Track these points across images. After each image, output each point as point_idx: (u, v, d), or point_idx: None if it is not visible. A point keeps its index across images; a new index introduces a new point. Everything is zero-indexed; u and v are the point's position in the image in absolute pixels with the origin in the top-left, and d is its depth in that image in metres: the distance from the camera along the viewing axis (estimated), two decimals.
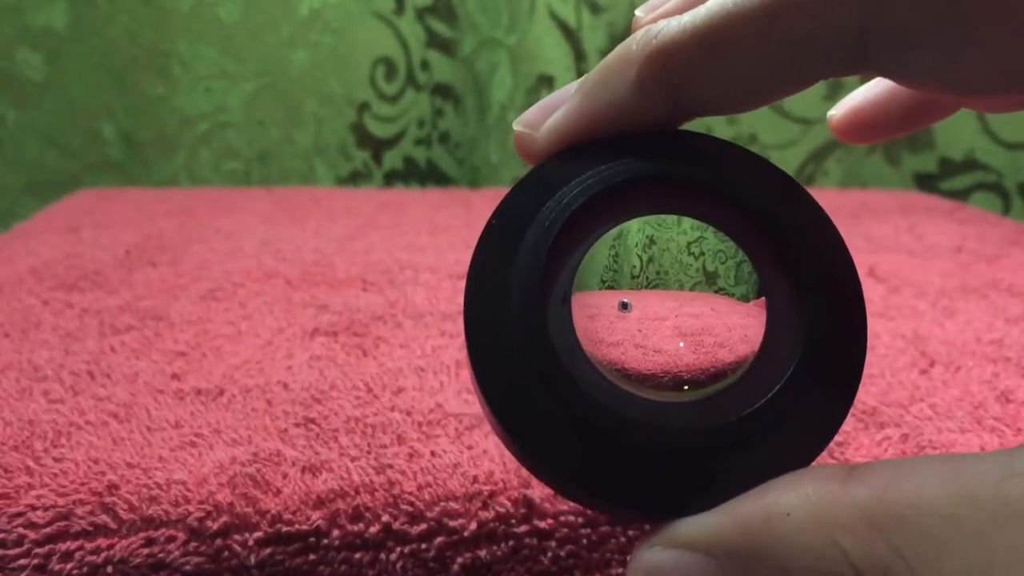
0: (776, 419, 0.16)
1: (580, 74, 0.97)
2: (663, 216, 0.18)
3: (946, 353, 0.42)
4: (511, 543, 0.29)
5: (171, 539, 0.28)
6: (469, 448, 0.32)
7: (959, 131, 0.95)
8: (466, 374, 0.39)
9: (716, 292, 0.18)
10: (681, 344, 0.18)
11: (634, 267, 0.18)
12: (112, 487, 0.29)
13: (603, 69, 0.19)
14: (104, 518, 0.28)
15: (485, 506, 0.29)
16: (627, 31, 1.00)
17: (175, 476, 0.30)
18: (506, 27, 0.96)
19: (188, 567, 0.28)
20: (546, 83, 0.96)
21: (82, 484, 0.29)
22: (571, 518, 0.29)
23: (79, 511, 0.28)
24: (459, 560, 0.29)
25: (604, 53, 0.99)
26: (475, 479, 0.30)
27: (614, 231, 0.18)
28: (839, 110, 0.25)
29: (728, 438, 0.16)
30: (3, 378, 0.38)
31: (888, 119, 0.25)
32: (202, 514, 0.28)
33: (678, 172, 0.18)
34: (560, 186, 0.18)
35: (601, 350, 0.17)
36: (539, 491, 0.30)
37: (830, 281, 0.17)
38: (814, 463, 0.16)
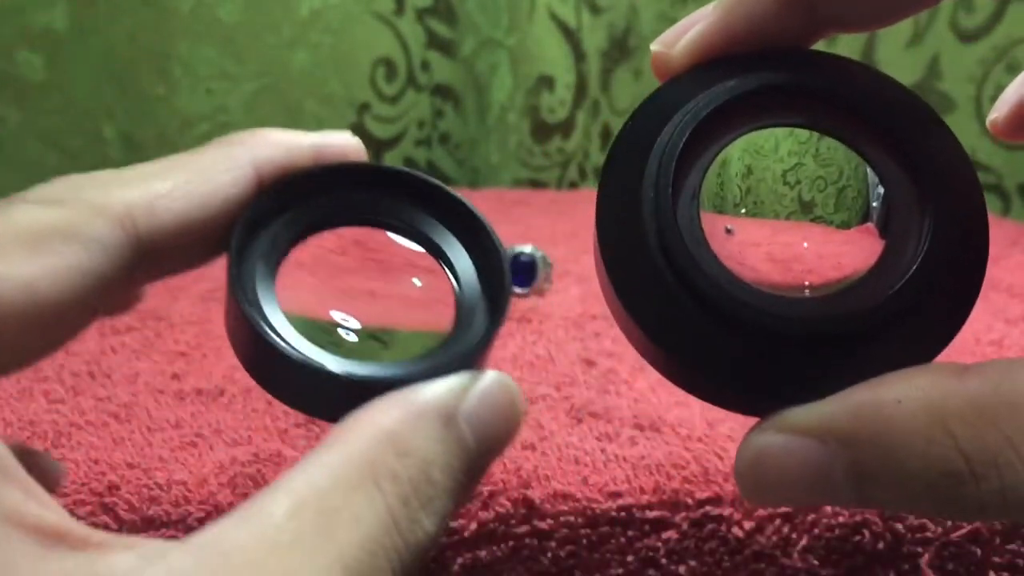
0: (897, 316, 0.16)
1: (580, 75, 0.97)
2: (762, 143, 0.18)
3: (945, 353, 0.42)
4: (511, 543, 0.29)
5: (171, 539, 0.28)
6: None
7: (959, 131, 0.94)
8: None
9: (813, 220, 0.19)
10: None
11: (735, 195, 0.19)
12: (112, 487, 0.29)
13: None
14: (104, 518, 0.28)
15: (485, 506, 0.29)
16: (627, 31, 1.00)
17: (175, 476, 0.30)
18: (506, 27, 0.96)
19: None
20: (546, 83, 0.96)
21: (82, 484, 0.29)
22: (571, 518, 0.29)
23: (79, 511, 0.28)
24: (459, 560, 0.29)
25: (604, 54, 1.00)
26: None
27: (720, 158, 0.18)
28: (1000, 112, 0.25)
29: (848, 331, 0.16)
30: (3, 378, 0.38)
31: None
32: (202, 514, 0.28)
33: (810, 83, 0.18)
34: (694, 94, 0.18)
35: (720, 258, 0.18)
36: (539, 491, 0.30)
37: (953, 186, 0.17)
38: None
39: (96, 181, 0.18)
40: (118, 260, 0.17)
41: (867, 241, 0.18)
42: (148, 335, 0.43)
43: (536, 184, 0.99)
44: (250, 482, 0.29)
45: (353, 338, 0.20)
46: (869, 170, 0.18)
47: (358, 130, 0.99)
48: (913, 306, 0.17)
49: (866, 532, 0.30)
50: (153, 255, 0.18)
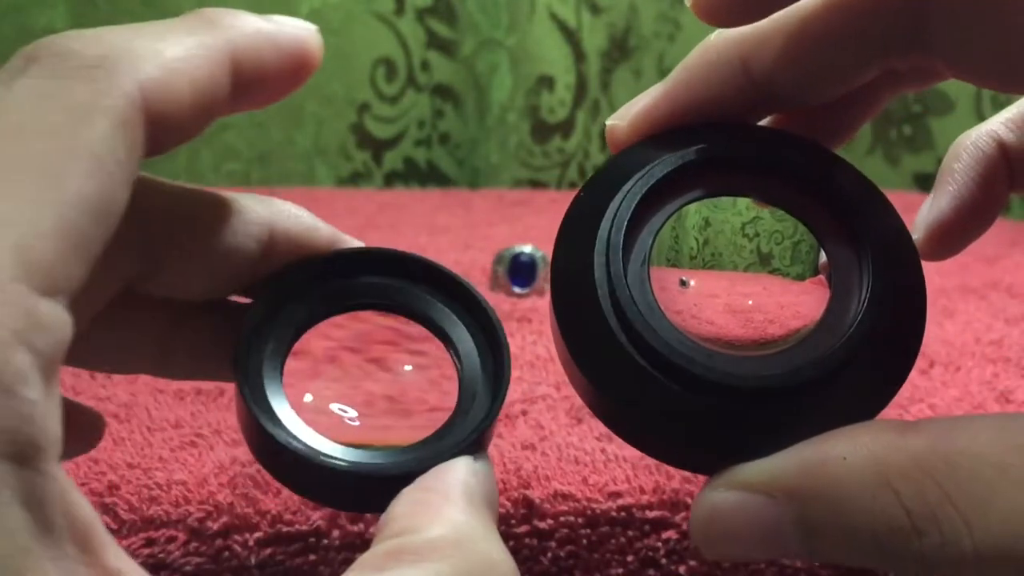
0: (837, 373, 0.17)
1: (580, 75, 0.97)
2: (719, 198, 0.19)
3: (945, 354, 0.42)
4: (511, 543, 0.29)
5: (171, 539, 0.28)
6: None
7: (959, 131, 0.95)
8: None
9: (770, 272, 0.19)
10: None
11: (691, 248, 0.19)
12: (112, 487, 0.29)
13: (686, 59, 0.20)
14: (104, 518, 0.28)
15: None
16: (627, 31, 1.00)
17: (175, 476, 0.30)
18: (506, 28, 0.96)
19: (189, 567, 0.28)
20: (546, 83, 0.96)
21: (82, 484, 0.29)
22: (571, 518, 0.29)
23: None
24: None
25: (604, 54, 1.00)
26: None
27: (676, 213, 0.19)
28: (919, 232, 0.25)
29: (791, 388, 0.17)
30: None
31: (963, 224, 0.24)
32: (202, 514, 0.28)
33: (751, 155, 0.19)
34: (642, 164, 0.19)
35: (668, 316, 0.18)
36: (539, 491, 0.30)
37: (891, 252, 0.18)
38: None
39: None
40: (132, 268, 0.17)
41: (819, 294, 0.19)
42: None
43: (536, 184, 0.99)
44: (250, 482, 0.29)
45: (359, 423, 0.20)
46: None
47: (358, 130, 0.99)
48: (854, 363, 0.17)
49: None
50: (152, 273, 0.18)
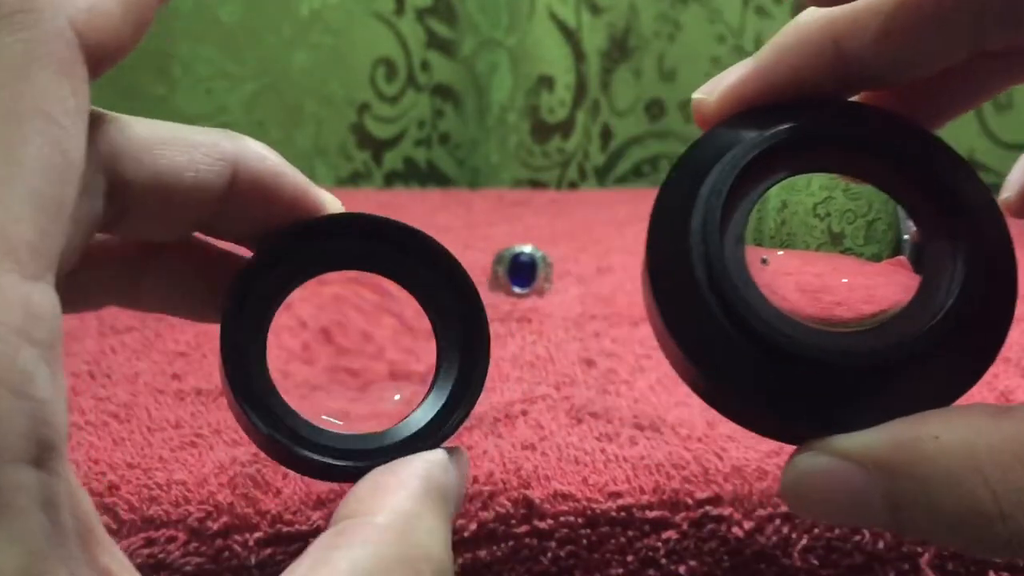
0: (929, 352, 0.18)
1: (580, 75, 0.97)
2: (796, 179, 0.19)
3: None
4: (511, 543, 0.29)
5: (172, 539, 0.28)
6: (469, 448, 0.32)
7: (959, 132, 0.95)
8: None
9: (843, 252, 0.20)
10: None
11: (771, 229, 0.20)
12: (112, 487, 0.29)
13: (776, 37, 0.20)
14: (104, 518, 0.28)
15: (485, 506, 0.29)
16: (627, 31, 1.00)
17: (175, 476, 0.30)
18: (506, 28, 0.96)
19: (189, 567, 0.28)
20: (546, 84, 0.96)
21: (82, 484, 0.29)
22: (571, 518, 0.29)
23: None
24: (459, 560, 0.29)
25: (604, 54, 1.00)
26: (475, 479, 0.30)
27: (767, 191, 0.19)
28: (1011, 191, 0.26)
29: (887, 363, 0.17)
30: None
31: None
32: (202, 514, 0.28)
33: (846, 132, 0.19)
34: (736, 142, 0.19)
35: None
36: (539, 491, 0.30)
37: (983, 228, 0.18)
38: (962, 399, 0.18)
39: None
40: (100, 205, 0.17)
41: (900, 275, 0.19)
42: (148, 335, 0.43)
43: (536, 184, 0.99)
44: (250, 482, 0.29)
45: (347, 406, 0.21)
46: (900, 209, 0.19)
47: (358, 130, 0.99)
48: (945, 343, 0.18)
49: (866, 532, 0.30)
50: (118, 205, 0.17)
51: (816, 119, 0.19)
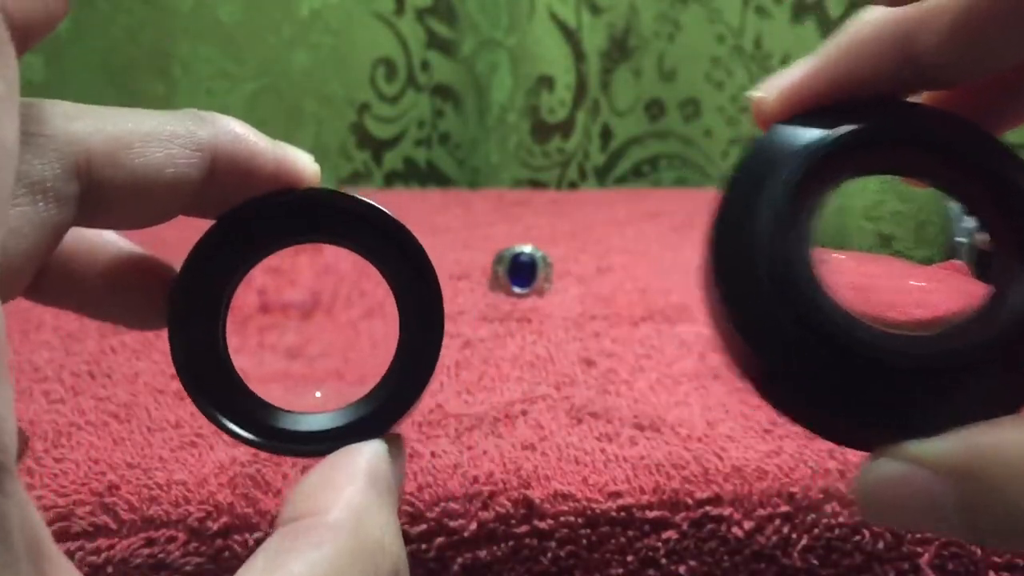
0: (1001, 358, 0.18)
1: (580, 75, 0.97)
2: (850, 182, 0.19)
3: None
4: (511, 543, 0.29)
5: (171, 539, 0.28)
6: (469, 448, 0.32)
7: None
8: (466, 375, 0.39)
9: (893, 255, 0.20)
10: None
11: (827, 230, 0.20)
12: (112, 487, 0.29)
13: (839, 36, 0.20)
14: (104, 518, 0.28)
15: (485, 507, 0.29)
16: (627, 31, 1.00)
17: (175, 476, 0.30)
18: (506, 28, 0.96)
19: (188, 567, 0.28)
20: (546, 83, 0.96)
21: (82, 484, 0.29)
22: (571, 518, 0.29)
23: (79, 511, 0.28)
24: (459, 560, 0.29)
25: (604, 54, 1.00)
26: (475, 479, 0.30)
27: (831, 191, 0.19)
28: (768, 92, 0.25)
29: (961, 368, 0.18)
30: None
31: None
32: (202, 514, 0.28)
33: (919, 134, 0.19)
34: (797, 143, 0.19)
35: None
36: (539, 491, 0.30)
37: None
38: None
39: (57, 114, 0.17)
40: (72, 210, 0.17)
41: (955, 280, 0.19)
42: (148, 335, 0.43)
43: (536, 184, 0.99)
44: (250, 482, 0.29)
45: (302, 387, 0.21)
46: (952, 205, 0.19)
47: (358, 130, 0.99)
48: (1017, 349, 0.18)
49: (866, 532, 0.30)
50: (95, 205, 0.17)
51: (883, 119, 0.19)
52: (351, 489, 0.18)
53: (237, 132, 0.19)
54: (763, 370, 0.18)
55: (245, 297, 0.21)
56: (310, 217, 0.20)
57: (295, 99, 0.97)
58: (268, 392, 0.20)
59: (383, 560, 0.17)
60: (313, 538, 0.16)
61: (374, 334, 0.22)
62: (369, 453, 0.19)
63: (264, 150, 0.19)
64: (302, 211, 0.20)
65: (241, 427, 0.20)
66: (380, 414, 0.20)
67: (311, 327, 0.22)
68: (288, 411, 0.20)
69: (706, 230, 0.19)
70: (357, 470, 0.18)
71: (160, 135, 0.18)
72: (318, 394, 0.22)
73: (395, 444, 0.20)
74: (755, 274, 0.18)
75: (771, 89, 0.20)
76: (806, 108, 0.20)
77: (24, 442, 0.20)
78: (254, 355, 0.21)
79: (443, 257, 0.61)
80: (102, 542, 0.27)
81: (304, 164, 0.20)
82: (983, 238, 0.19)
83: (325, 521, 0.17)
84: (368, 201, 0.20)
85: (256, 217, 0.20)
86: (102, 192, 0.17)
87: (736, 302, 0.19)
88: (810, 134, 0.19)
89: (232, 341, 0.20)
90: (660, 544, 0.29)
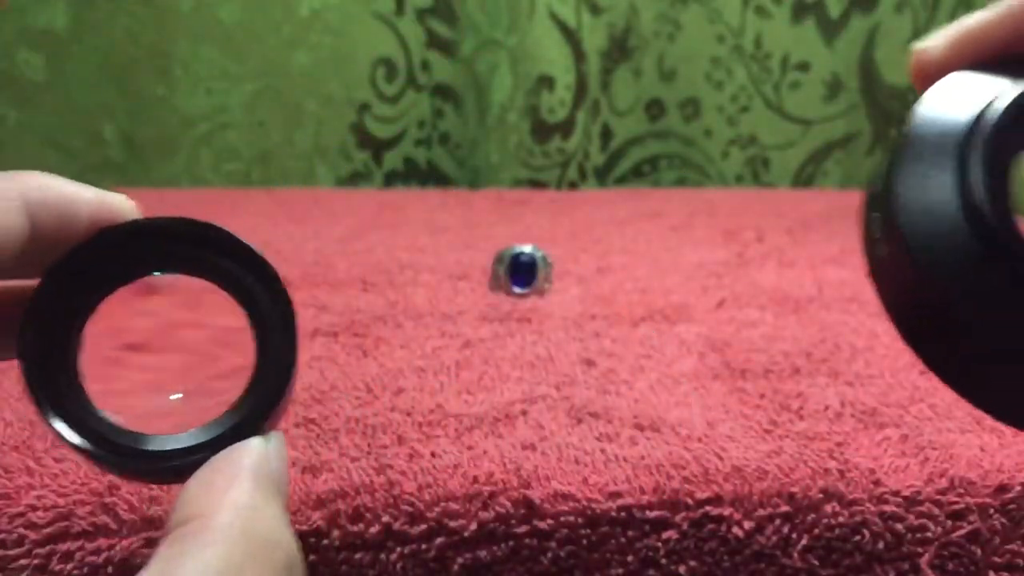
0: None
1: (580, 75, 0.97)
2: None
3: None
4: (511, 543, 0.29)
5: None
6: (469, 448, 0.32)
7: None
8: (466, 375, 0.39)
9: None
10: None
11: (1018, 193, 0.18)
12: (112, 487, 0.29)
13: None
14: (104, 518, 0.28)
15: (485, 507, 0.29)
16: (627, 31, 1.00)
17: None
18: (506, 28, 0.96)
19: None
20: (546, 83, 0.96)
21: (82, 484, 0.29)
22: (571, 518, 0.29)
23: (80, 511, 0.28)
24: (459, 560, 0.29)
25: (604, 54, 1.00)
26: (475, 480, 0.30)
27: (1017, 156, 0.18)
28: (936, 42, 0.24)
29: None
30: (4, 378, 0.38)
31: None
32: None
33: None
34: (985, 97, 0.18)
35: None
36: (539, 491, 0.30)
37: None
38: None
39: None
40: None
41: None
42: None
43: (536, 184, 0.99)
44: None
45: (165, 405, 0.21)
46: None
47: (358, 130, 0.99)
48: None
49: (866, 532, 0.30)
50: None
51: None
52: (236, 489, 0.18)
53: (42, 181, 0.19)
54: (971, 348, 0.17)
55: (97, 336, 0.21)
56: (140, 249, 0.20)
57: (295, 99, 0.97)
58: (125, 413, 0.20)
59: (276, 554, 0.17)
60: (203, 540, 0.16)
61: (228, 354, 0.22)
62: (249, 450, 0.19)
63: (75, 192, 0.20)
64: (130, 244, 0.20)
65: (107, 455, 0.20)
66: (250, 418, 0.20)
67: (164, 359, 0.22)
68: (152, 435, 0.20)
69: (876, 175, 0.18)
70: (240, 469, 0.18)
71: None
72: (175, 397, 0.22)
73: (274, 440, 0.20)
74: (961, 246, 0.17)
75: (938, 39, 0.19)
76: (979, 60, 0.19)
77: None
78: (116, 391, 0.21)
79: (443, 257, 0.61)
80: (102, 542, 0.27)
81: (120, 201, 0.20)
82: None
83: (214, 523, 0.17)
84: (182, 218, 0.20)
85: (86, 258, 0.20)
86: None
87: (934, 274, 0.17)
88: (992, 87, 0.18)
89: (89, 383, 0.20)
90: (660, 544, 0.29)
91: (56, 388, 0.20)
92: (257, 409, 0.20)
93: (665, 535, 0.29)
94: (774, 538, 0.30)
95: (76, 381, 0.20)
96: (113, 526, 0.28)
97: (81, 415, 0.20)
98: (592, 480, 0.30)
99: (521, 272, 0.52)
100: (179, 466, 0.19)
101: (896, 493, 0.30)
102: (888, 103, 1.00)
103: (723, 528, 0.30)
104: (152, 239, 0.21)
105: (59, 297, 0.20)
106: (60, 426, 0.19)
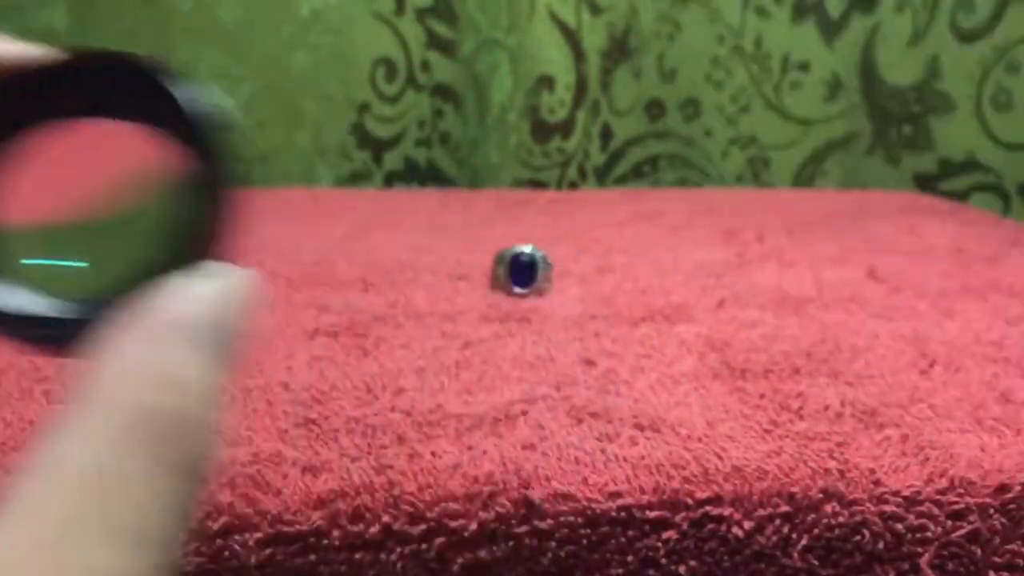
0: None
1: (580, 75, 0.97)
2: None
3: (946, 354, 0.42)
4: (511, 543, 0.29)
5: None
6: (469, 448, 0.32)
7: (959, 132, 0.95)
8: (466, 375, 0.39)
9: None
10: None
11: None
12: None
13: None
14: None
15: (485, 507, 0.29)
16: (627, 31, 1.00)
17: None
18: (506, 28, 0.96)
19: (188, 567, 0.28)
20: (546, 84, 0.96)
21: None
22: (571, 518, 0.29)
23: None
24: (459, 560, 0.29)
25: (604, 53, 0.99)
26: (475, 480, 0.30)
27: None
28: None
29: None
30: (4, 378, 0.38)
31: None
32: (202, 514, 0.28)
33: None
34: None
35: None
36: (539, 491, 0.30)
37: None
38: None
39: None
40: None
41: None
42: None
43: (536, 184, 0.99)
44: (249, 482, 0.29)
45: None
46: None
47: (358, 130, 0.99)
48: None
49: (866, 532, 0.30)
50: None
51: None
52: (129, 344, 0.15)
53: None
54: None
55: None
56: (49, 92, 0.18)
57: (295, 99, 0.97)
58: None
59: (169, 431, 0.14)
60: (70, 417, 0.13)
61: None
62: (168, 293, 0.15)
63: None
64: (48, 88, 0.18)
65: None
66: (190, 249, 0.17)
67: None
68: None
69: None
70: (145, 318, 0.15)
71: None
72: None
73: (229, 278, 0.16)
74: None
75: None
76: None
77: None
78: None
79: (443, 257, 0.61)
80: None
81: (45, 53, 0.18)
82: None
83: (88, 393, 0.14)
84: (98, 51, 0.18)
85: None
86: None
87: None
88: None
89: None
90: (660, 544, 0.29)
91: None
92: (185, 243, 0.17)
93: (665, 535, 0.29)
94: (774, 538, 0.30)
95: None
96: None
97: None
98: (592, 480, 0.30)
99: (521, 272, 0.52)
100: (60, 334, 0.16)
101: (896, 493, 0.30)
102: (888, 103, 0.99)
103: (723, 528, 0.30)
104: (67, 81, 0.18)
105: None
106: None
